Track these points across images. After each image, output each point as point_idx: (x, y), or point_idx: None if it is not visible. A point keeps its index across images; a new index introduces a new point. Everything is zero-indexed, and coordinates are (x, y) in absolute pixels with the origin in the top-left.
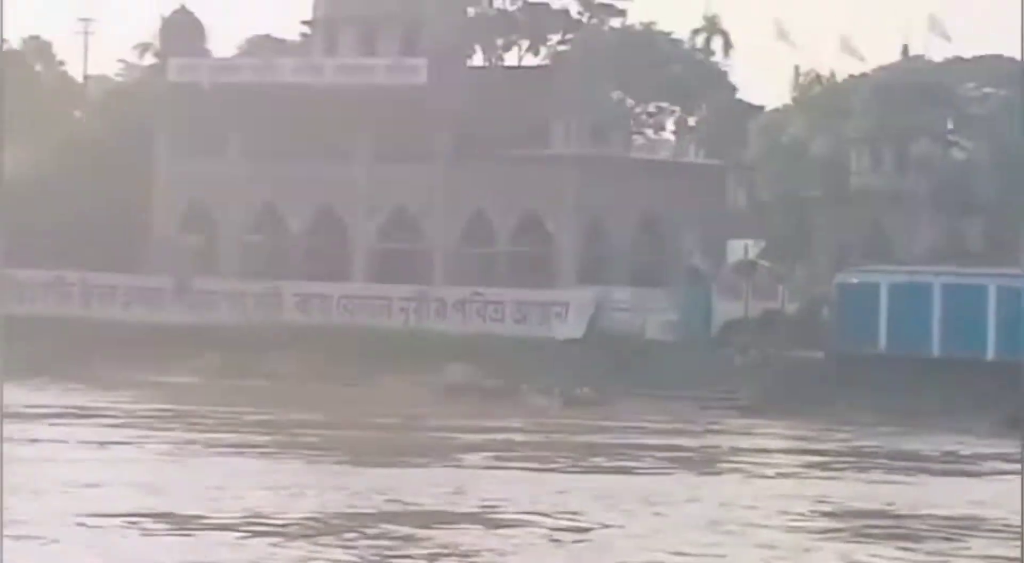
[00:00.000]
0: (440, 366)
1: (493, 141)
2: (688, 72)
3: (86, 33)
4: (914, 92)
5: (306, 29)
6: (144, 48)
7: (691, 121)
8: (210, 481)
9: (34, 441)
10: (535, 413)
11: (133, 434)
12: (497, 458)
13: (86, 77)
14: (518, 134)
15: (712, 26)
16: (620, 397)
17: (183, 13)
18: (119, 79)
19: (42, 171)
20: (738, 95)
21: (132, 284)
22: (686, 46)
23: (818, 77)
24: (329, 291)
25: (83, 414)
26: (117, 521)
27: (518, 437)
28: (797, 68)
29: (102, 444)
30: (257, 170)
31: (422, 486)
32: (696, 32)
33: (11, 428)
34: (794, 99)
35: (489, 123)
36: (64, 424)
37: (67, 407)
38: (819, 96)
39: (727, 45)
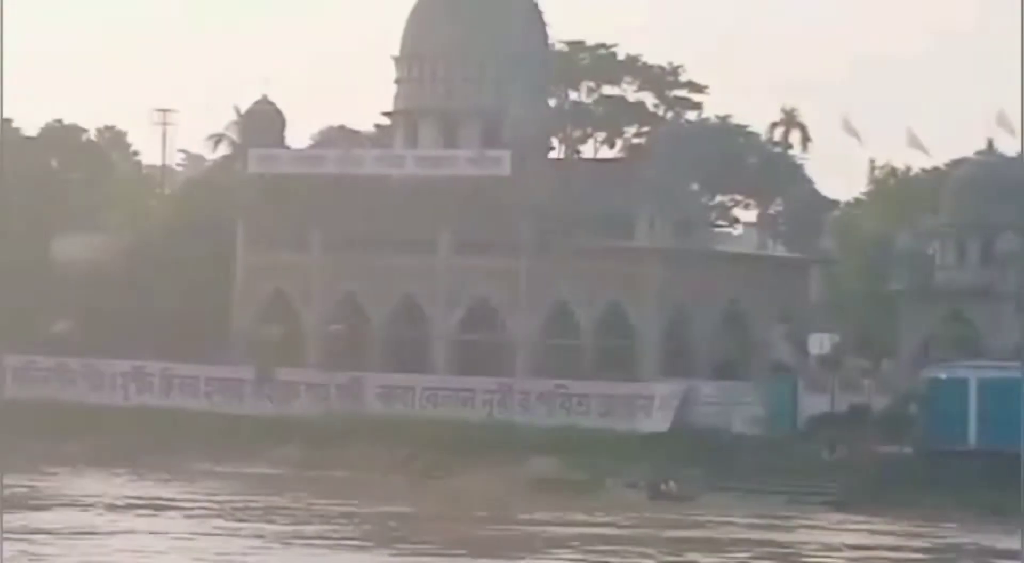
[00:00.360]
0: (525, 459)
1: (576, 233)
2: (763, 165)
3: (164, 124)
4: (996, 187)
5: (380, 119)
6: (218, 139)
7: (766, 214)
8: None
9: (123, 533)
10: (623, 507)
11: (221, 526)
12: (588, 552)
13: (163, 167)
14: (600, 226)
15: (790, 119)
16: (707, 491)
17: (264, 103)
18: (179, 169)
19: (120, 261)
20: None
21: (214, 375)
22: (761, 139)
23: (893, 171)
24: (412, 382)
25: (168, 505)
26: None
27: (607, 531)
28: (872, 162)
29: (191, 535)
30: (338, 261)
31: None
32: (775, 125)
33: (99, 520)
34: (868, 192)
35: (572, 215)
36: (150, 515)
37: (152, 498)
38: (895, 190)
39: (805, 138)
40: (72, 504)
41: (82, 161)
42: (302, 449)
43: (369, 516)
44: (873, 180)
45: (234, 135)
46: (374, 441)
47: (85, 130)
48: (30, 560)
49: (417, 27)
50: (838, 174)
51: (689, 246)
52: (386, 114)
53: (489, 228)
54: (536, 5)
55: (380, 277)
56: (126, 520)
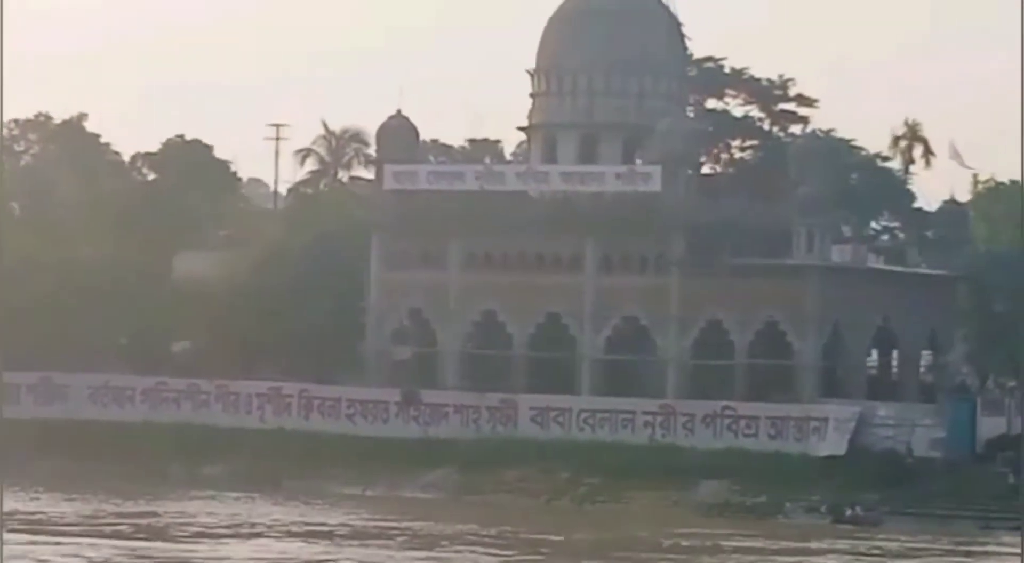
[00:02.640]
0: (693, 483)
1: (729, 250)
2: (868, 178)
3: (278, 139)
4: None
5: (502, 134)
6: (305, 154)
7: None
8: None
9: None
10: (806, 533)
11: (382, 554)
12: None
13: (276, 183)
14: (755, 243)
15: (913, 133)
16: (892, 516)
17: (399, 118)
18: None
19: (244, 279)
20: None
21: (356, 397)
22: (864, 152)
23: (996, 184)
24: (568, 404)
25: (318, 532)
26: None
27: (794, 558)
28: (975, 176)
29: None
30: (478, 279)
31: None
32: (897, 139)
33: (242, 547)
34: (974, 204)
35: (725, 232)
36: (299, 541)
37: (303, 523)
38: (1003, 203)
39: (927, 151)
40: (257, 533)
41: (204, 177)
42: (456, 473)
43: (539, 543)
44: (976, 193)
45: (322, 150)
46: (531, 465)
47: (209, 146)
48: None
49: (554, 40)
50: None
51: (847, 263)
52: (521, 129)
53: (638, 245)
54: (674, 16)
55: (522, 295)
56: (267, 542)
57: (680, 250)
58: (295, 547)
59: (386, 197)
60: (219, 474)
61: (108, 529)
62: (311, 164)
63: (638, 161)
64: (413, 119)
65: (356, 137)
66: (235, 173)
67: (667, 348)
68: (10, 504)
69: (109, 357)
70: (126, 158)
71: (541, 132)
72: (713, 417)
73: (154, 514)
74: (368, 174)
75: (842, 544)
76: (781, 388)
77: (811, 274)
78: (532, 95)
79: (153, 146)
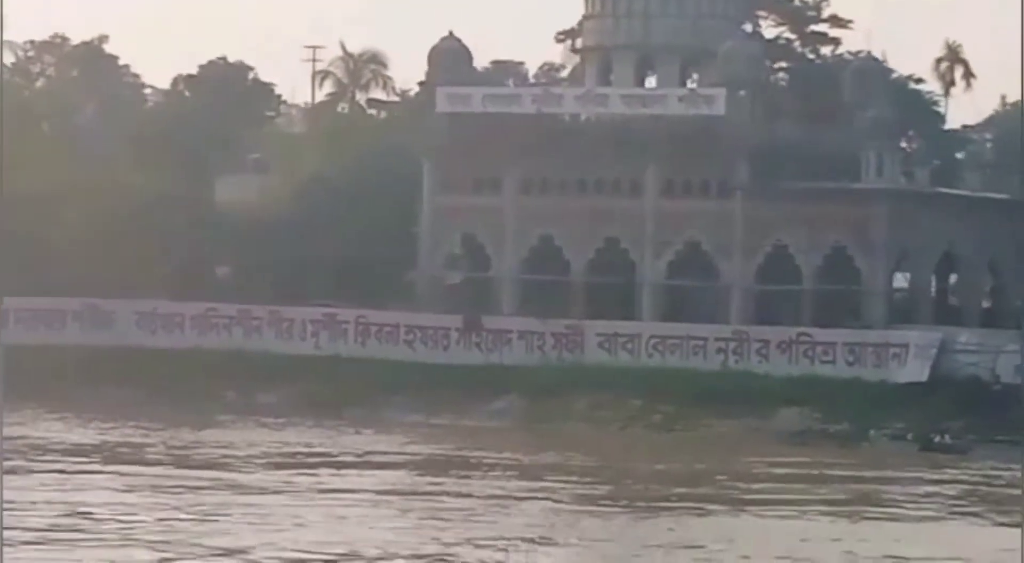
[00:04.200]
0: (770, 410)
1: (794, 174)
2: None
3: (314, 60)
4: None
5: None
6: (323, 76)
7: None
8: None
9: (326, 491)
10: (894, 461)
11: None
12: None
13: (314, 106)
14: (821, 167)
15: (954, 55)
16: (978, 443)
17: (451, 40)
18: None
19: (288, 203)
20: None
21: (415, 323)
22: (895, 74)
23: None
24: (637, 330)
25: (381, 463)
26: None
27: (901, 489)
28: (1004, 97)
29: (430, 495)
30: (535, 204)
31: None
32: (939, 61)
33: (302, 479)
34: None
35: (790, 156)
36: (360, 473)
37: (379, 451)
38: None
39: (967, 73)
40: (339, 462)
41: (245, 100)
42: (522, 401)
43: (626, 472)
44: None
45: (339, 72)
46: (601, 392)
47: (251, 68)
48: None
49: None
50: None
51: (914, 187)
52: (575, 51)
53: (701, 169)
54: None
55: (580, 220)
56: (325, 476)
57: (744, 174)
58: (395, 477)
59: (438, 120)
60: (276, 402)
61: (166, 458)
62: (329, 86)
63: (691, 83)
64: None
65: (374, 59)
66: (279, 96)
67: (731, 273)
68: (58, 433)
69: (153, 283)
70: (145, 81)
71: (595, 54)
72: (788, 343)
73: (224, 443)
74: (385, 96)
75: (934, 473)
76: (849, 314)
77: (880, 198)
78: (585, 17)
79: (170, 71)
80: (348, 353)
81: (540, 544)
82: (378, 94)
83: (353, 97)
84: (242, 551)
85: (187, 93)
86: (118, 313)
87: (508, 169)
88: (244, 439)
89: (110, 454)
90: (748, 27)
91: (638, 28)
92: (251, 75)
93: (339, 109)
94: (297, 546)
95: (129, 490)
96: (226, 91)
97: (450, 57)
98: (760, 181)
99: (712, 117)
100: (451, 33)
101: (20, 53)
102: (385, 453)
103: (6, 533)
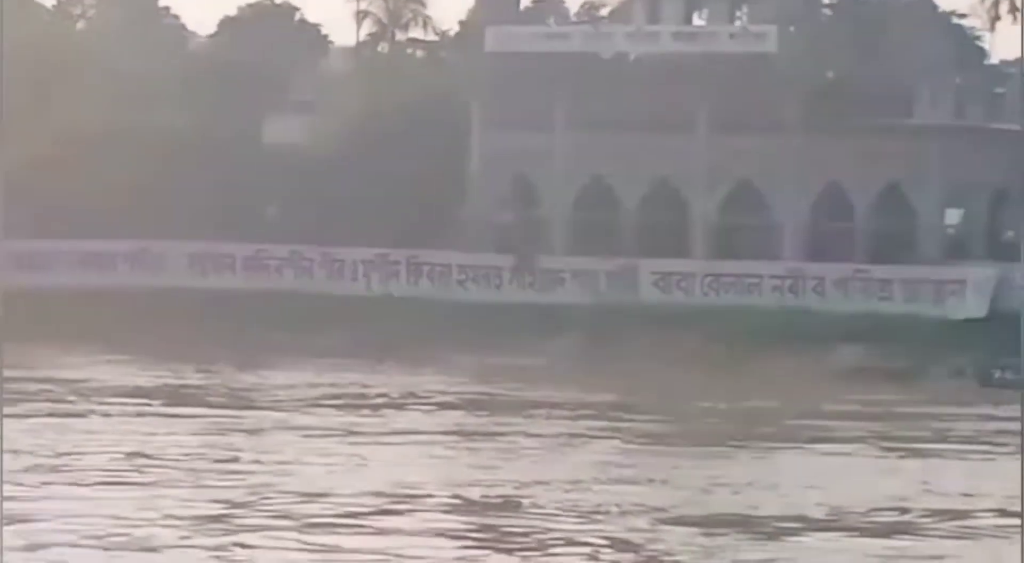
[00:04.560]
0: (828, 347)
1: (847, 110)
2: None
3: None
4: None
5: None
6: (363, 15)
7: None
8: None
9: (390, 433)
10: (955, 397)
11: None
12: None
13: (357, 45)
14: (873, 103)
15: None
16: None
17: None
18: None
19: (335, 144)
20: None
21: (467, 262)
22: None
23: None
24: (692, 268)
25: (442, 403)
26: None
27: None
28: None
29: (497, 435)
30: (585, 142)
31: None
32: None
33: (365, 421)
34: None
35: (842, 92)
36: (424, 413)
37: (439, 391)
38: None
39: (1013, 7)
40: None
41: (294, 40)
42: (578, 340)
43: (692, 411)
44: None
45: (379, 11)
46: (656, 331)
47: (297, 8)
48: None
49: None
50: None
51: (969, 123)
52: None
53: (752, 106)
54: None
55: (632, 159)
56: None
57: (796, 111)
58: (457, 416)
59: (486, 59)
60: (330, 343)
61: (228, 400)
62: (368, 26)
63: (738, 19)
64: None
65: None
66: (326, 36)
67: (784, 211)
68: (117, 376)
69: (202, 224)
70: (185, 23)
71: None
72: (844, 280)
73: (283, 384)
74: (425, 36)
75: (995, 409)
76: (904, 250)
77: (933, 134)
78: None
79: (208, 13)
80: (400, 293)
81: (616, 483)
82: (417, 33)
83: (393, 37)
84: (322, 495)
85: (233, 35)
86: (168, 255)
87: (558, 108)
88: (302, 380)
89: (172, 396)
90: None
91: None
92: (297, 16)
93: (379, 49)
94: (368, 488)
95: (197, 433)
96: (272, 32)
97: None
98: (812, 118)
99: (763, 54)
100: None
101: None
102: (444, 393)
103: (73, 475)
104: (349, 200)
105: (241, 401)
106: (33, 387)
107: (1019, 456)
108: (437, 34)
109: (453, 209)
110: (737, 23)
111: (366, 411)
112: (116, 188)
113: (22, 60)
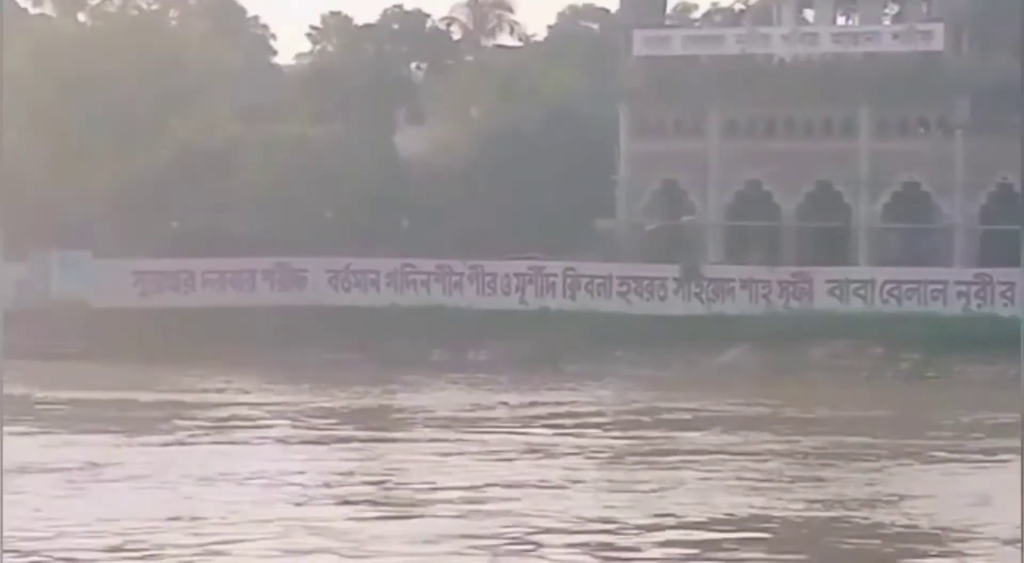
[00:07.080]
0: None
1: (1014, 109)
2: None
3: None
4: None
5: None
6: (449, 22)
7: None
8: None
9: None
10: None
11: (763, 441)
12: None
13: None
14: None
15: None
16: None
17: None
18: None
19: (473, 154)
20: None
21: (629, 273)
22: None
23: None
24: (871, 275)
25: (630, 422)
26: None
27: None
28: None
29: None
30: (740, 147)
31: None
32: None
33: (559, 439)
34: None
35: (1009, 90)
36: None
37: (617, 410)
38: None
39: None
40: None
41: (426, 48)
42: (754, 351)
43: (894, 424)
44: None
45: (463, 17)
46: (837, 340)
47: (427, 15)
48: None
49: None
50: None
51: None
52: None
53: (918, 108)
54: None
55: (790, 163)
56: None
57: (965, 111)
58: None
59: (635, 64)
60: (488, 359)
61: (391, 423)
62: (455, 33)
63: (886, 20)
64: None
65: (499, 3)
66: (457, 41)
67: (954, 214)
68: (256, 395)
69: (339, 239)
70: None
71: None
72: None
73: (456, 405)
74: (511, 42)
75: None
76: None
77: None
78: None
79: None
80: (557, 307)
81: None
82: (504, 40)
83: (478, 43)
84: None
85: (366, 45)
86: (309, 271)
87: (711, 113)
88: (468, 401)
89: (348, 417)
90: None
91: None
92: (428, 23)
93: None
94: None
95: (375, 458)
96: (404, 39)
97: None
98: (982, 118)
99: (929, 53)
100: None
101: (145, 6)
102: (622, 411)
103: (230, 492)
104: (489, 211)
105: (404, 425)
106: (225, 413)
107: None
108: (521, 40)
109: (594, 217)
110: (888, 21)
111: (563, 429)
112: (249, 203)
113: (144, 76)
